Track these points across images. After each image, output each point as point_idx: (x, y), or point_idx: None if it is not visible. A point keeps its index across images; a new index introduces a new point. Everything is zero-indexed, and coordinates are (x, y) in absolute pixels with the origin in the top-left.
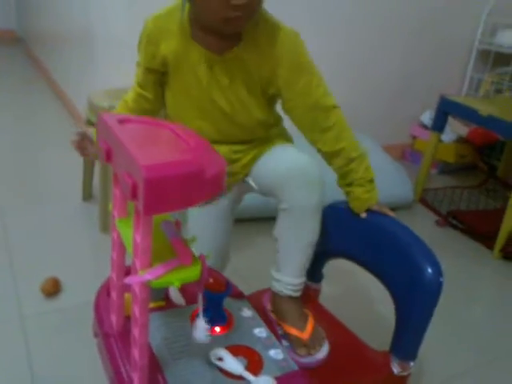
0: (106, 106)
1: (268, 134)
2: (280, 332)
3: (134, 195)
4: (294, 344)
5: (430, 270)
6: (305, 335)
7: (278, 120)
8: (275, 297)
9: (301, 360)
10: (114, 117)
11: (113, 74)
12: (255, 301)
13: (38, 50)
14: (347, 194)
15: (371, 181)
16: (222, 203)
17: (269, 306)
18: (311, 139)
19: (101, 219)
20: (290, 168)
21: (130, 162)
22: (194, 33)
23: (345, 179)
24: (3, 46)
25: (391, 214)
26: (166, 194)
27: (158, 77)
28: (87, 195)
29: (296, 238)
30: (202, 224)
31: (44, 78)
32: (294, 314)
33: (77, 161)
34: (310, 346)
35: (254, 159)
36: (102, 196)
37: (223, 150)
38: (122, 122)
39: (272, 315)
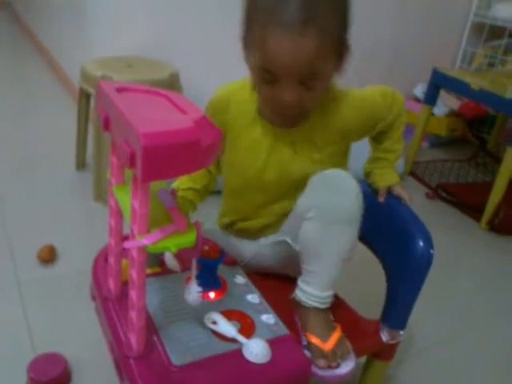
0: (99, 75)
1: None
2: (304, 342)
3: (132, 163)
4: (313, 354)
5: (421, 243)
6: (327, 346)
7: None
8: (299, 306)
9: (319, 373)
10: (113, 85)
11: (106, 43)
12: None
13: (27, 15)
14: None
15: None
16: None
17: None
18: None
19: (95, 188)
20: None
21: (129, 131)
22: (260, 109)
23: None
24: None
25: (408, 199)
26: (163, 161)
27: None
28: (81, 164)
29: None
30: None
31: (33, 44)
32: (319, 323)
33: (70, 129)
34: (331, 358)
35: None
36: (95, 165)
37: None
38: (120, 90)
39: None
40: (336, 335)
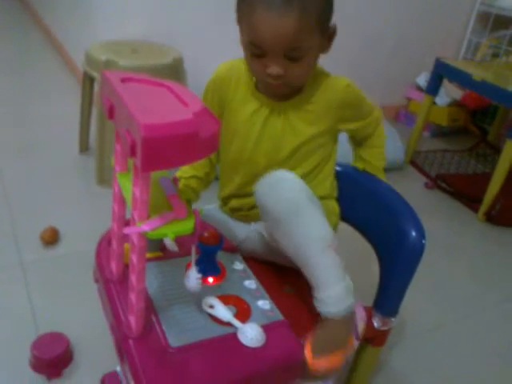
0: (104, 59)
1: None
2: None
3: (133, 153)
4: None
5: (413, 233)
6: (314, 364)
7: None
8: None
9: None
10: (117, 75)
11: (110, 27)
12: None
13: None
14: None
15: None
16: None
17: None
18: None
19: (97, 172)
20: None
21: (130, 121)
22: (257, 84)
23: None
24: None
25: None
26: (163, 152)
27: None
28: (84, 147)
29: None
30: None
31: (40, 27)
32: (321, 336)
33: (73, 113)
34: (311, 376)
35: None
36: (98, 149)
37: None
38: (124, 80)
39: None
40: (334, 358)
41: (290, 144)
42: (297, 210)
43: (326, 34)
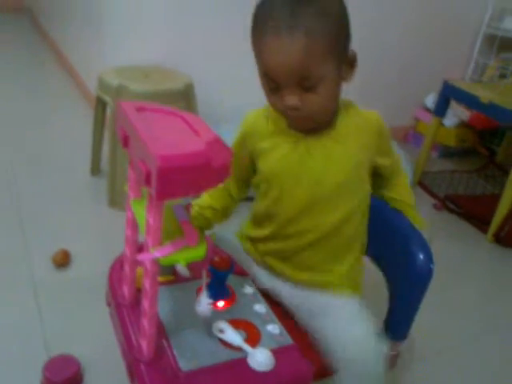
0: (116, 83)
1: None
2: None
3: (148, 182)
4: None
5: (421, 257)
6: None
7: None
8: None
9: None
10: (132, 105)
11: (122, 52)
12: None
13: (46, 21)
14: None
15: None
16: None
17: None
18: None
19: (109, 194)
20: (348, 359)
21: (145, 152)
22: (288, 122)
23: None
24: (10, 14)
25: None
26: (177, 182)
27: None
28: (95, 170)
29: None
30: None
31: (51, 49)
32: None
33: (85, 135)
34: None
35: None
36: (110, 172)
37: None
38: (139, 110)
39: None
40: None
41: (334, 178)
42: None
43: (344, 62)
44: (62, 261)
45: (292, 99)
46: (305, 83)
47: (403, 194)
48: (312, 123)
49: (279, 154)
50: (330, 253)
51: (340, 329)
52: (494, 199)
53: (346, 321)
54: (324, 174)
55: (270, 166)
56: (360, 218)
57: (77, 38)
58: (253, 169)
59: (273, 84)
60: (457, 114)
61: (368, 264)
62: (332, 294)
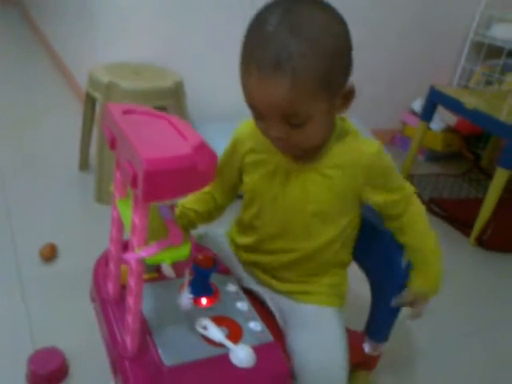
0: (106, 81)
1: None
2: None
3: (134, 184)
4: None
5: (404, 261)
6: None
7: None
8: None
9: None
10: (119, 107)
11: (113, 49)
12: None
13: (38, 16)
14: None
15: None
16: None
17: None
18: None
19: (96, 190)
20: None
21: (132, 154)
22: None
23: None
24: (0, 6)
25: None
26: (163, 185)
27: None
28: (84, 165)
29: None
30: None
31: (41, 43)
32: None
33: (74, 131)
34: None
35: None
36: (98, 167)
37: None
38: (125, 112)
39: None
40: None
41: (310, 207)
42: None
43: (339, 95)
44: (49, 254)
45: (277, 132)
46: (292, 120)
47: (419, 239)
48: (299, 152)
49: (263, 171)
50: (310, 271)
51: (311, 349)
52: (478, 203)
53: (319, 342)
54: (300, 202)
55: (253, 181)
56: (341, 246)
57: (68, 33)
58: (240, 177)
59: (258, 114)
60: (444, 118)
61: (355, 272)
62: (313, 306)
